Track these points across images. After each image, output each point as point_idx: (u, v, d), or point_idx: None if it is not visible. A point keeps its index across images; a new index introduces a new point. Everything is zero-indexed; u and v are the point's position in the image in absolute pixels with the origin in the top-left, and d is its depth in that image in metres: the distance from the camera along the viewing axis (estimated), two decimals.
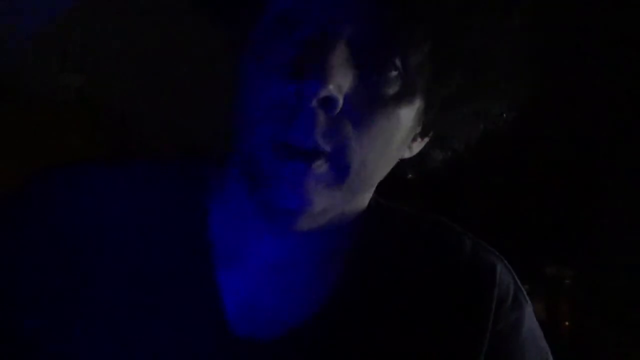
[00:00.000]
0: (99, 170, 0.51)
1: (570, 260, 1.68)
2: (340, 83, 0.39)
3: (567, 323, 1.58)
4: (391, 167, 0.47)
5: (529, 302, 0.50)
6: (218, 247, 0.47)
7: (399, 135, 0.43)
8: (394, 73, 0.41)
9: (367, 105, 0.41)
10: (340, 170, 0.42)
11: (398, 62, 0.41)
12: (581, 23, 1.62)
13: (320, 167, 0.41)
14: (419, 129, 0.46)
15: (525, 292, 0.50)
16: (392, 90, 0.41)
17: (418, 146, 0.48)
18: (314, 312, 0.46)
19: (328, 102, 0.39)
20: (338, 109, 0.39)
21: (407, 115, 0.43)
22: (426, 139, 0.48)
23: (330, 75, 0.38)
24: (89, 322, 0.45)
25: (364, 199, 0.50)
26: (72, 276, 0.46)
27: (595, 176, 1.74)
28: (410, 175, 0.52)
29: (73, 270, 0.46)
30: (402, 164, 0.50)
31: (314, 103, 0.39)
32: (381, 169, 0.44)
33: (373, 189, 0.49)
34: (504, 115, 0.49)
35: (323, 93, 0.38)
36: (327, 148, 0.40)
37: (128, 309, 0.45)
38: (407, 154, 0.48)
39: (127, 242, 0.47)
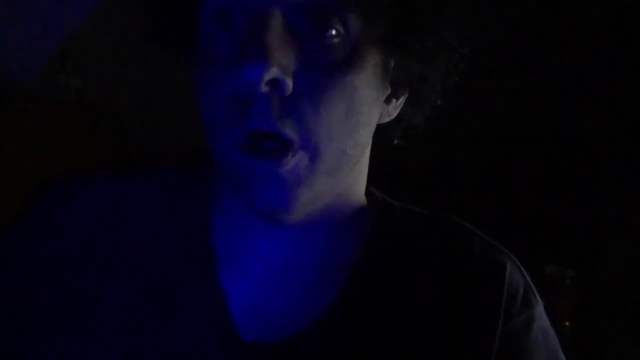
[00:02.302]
0: (103, 180, 0.51)
1: (570, 260, 1.68)
2: (282, 62, 0.38)
3: (567, 323, 1.57)
4: (370, 133, 0.46)
5: (540, 301, 0.50)
6: (222, 252, 0.47)
7: (362, 97, 0.42)
8: (336, 39, 0.40)
9: (319, 77, 0.40)
10: (311, 153, 0.41)
11: (337, 26, 0.39)
12: (582, 23, 1.62)
13: (290, 161, 0.40)
14: (388, 90, 0.46)
15: (536, 291, 0.50)
16: (339, 55, 0.40)
17: (395, 108, 0.48)
18: (321, 315, 0.45)
19: (277, 85, 0.38)
20: (289, 89, 0.39)
21: (364, 75, 0.41)
22: (402, 99, 0.48)
23: (270, 56, 0.37)
24: (97, 328, 0.45)
25: (356, 179, 0.49)
26: (80, 284, 0.46)
27: (595, 176, 1.74)
28: (396, 142, 0.51)
29: (81, 279, 0.46)
30: (385, 131, 0.50)
31: (264, 88, 0.38)
32: (357, 137, 0.43)
33: (360, 166, 0.48)
34: (466, 50, 0.47)
35: (268, 76, 0.37)
36: (291, 134, 0.40)
37: (135, 317, 0.46)
38: (385, 118, 0.48)
39: (132, 252, 0.47)
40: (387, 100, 0.46)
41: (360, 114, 0.42)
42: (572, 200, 1.74)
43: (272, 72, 0.37)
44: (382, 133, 0.49)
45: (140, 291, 0.46)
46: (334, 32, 0.39)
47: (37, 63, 1.83)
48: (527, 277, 0.50)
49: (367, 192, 0.52)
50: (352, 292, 0.47)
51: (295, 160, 0.40)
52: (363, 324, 0.46)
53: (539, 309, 0.49)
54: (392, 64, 0.44)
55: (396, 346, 0.46)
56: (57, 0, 1.76)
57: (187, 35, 0.43)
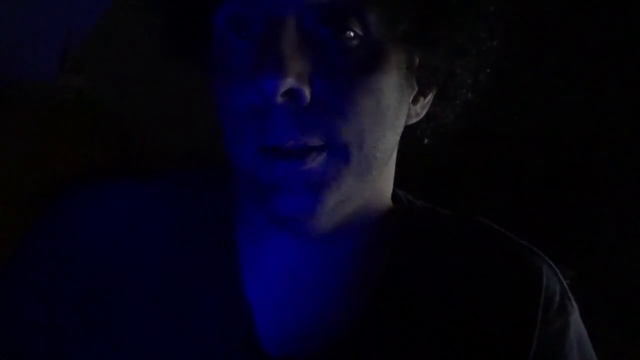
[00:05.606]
0: (125, 184, 0.50)
1: (571, 260, 1.67)
2: (299, 71, 0.37)
3: None
4: (398, 135, 0.45)
5: (575, 306, 0.49)
6: (246, 263, 0.46)
7: (388, 100, 0.40)
8: (355, 41, 0.38)
9: (339, 83, 0.38)
10: (340, 155, 0.39)
11: (356, 27, 0.38)
12: (588, 23, 1.62)
13: (315, 160, 0.38)
14: (415, 88, 0.44)
15: (571, 296, 0.49)
16: (359, 58, 0.38)
17: (423, 107, 0.46)
18: (349, 327, 0.44)
19: (294, 95, 0.37)
20: (307, 98, 0.37)
21: (388, 77, 0.40)
22: (430, 97, 0.46)
23: (285, 66, 0.36)
24: (119, 337, 0.45)
25: (383, 185, 0.48)
26: (101, 292, 0.46)
27: (596, 176, 1.74)
28: (426, 141, 0.49)
29: (101, 286, 0.46)
30: (414, 131, 0.48)
31: (280, 99, 0.36)
32: (385, 140, 0.42)
33: (388, 170, 0.47)
34: (495, 42, 0.46)
35: (283, 87, 0.36)
36: (315, 140, 0.38)
37: (156, 327, 0.45)
38: (413, 119, 0.46)
39: (154, 260, 0.47)
40: (415, 100, 0.45)
41: (387, 117, 0.41)
42: (573, 200, 1.74)
43: (288, 83, 0.36)
44: (411, 133, 0.48)
45: (162, 301, 0.45)
46: (352, 34, 0.38)
47: (37, 63, 1.83)
48: (563, 281, 0.49)
49: (392, 195, 0.51)
50: (381, 303, 0.45)
51: (320, 159, 0.39)
52: (393, 336, 0.44)
53: (575, 314, 0.48)
54: (417, 62, 0.42)
55: (428, 357, 0.44)
56: (58, 1, 1.75)
57: (202, 44, 0.42)
